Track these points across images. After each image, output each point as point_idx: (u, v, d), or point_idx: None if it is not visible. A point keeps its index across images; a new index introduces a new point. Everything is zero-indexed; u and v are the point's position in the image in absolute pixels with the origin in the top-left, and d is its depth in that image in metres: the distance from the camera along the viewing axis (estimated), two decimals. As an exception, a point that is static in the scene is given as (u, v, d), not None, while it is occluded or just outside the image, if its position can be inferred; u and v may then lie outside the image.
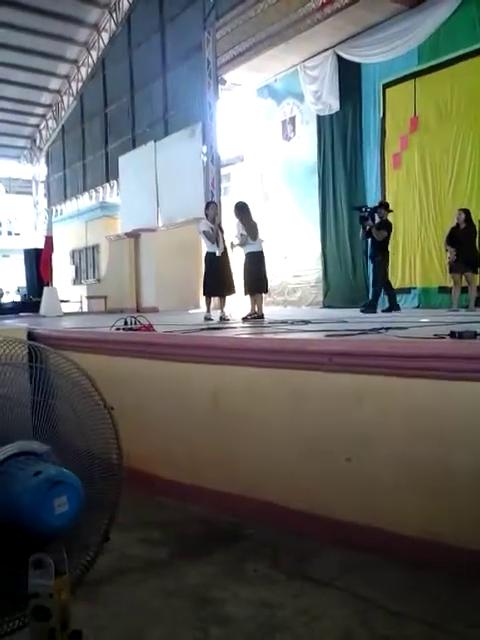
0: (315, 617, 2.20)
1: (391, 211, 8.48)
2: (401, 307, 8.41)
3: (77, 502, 1.26)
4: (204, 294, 7.32)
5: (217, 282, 7.08)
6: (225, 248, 7.11)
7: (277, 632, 2.11)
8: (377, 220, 8.01)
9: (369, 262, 8.69)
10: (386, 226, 8.06)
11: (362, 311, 7.87)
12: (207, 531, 3.12)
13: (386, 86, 10.03)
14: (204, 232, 7.05)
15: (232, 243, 6.92)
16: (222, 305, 7.27)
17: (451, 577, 2.41)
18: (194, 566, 2.67)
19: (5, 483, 1.24)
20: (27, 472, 1.25)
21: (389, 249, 8.30)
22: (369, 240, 8.28)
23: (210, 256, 7.08)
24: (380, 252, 8.12)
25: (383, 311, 7.98)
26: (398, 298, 9.89)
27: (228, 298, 7.26)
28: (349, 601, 2.32)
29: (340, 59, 10.59)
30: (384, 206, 8.30)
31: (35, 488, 1.21)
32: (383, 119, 10.15)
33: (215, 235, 6.97)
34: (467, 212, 7.69)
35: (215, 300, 7.32)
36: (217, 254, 6.98)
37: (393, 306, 8.16)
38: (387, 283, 8.34)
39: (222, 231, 7.12)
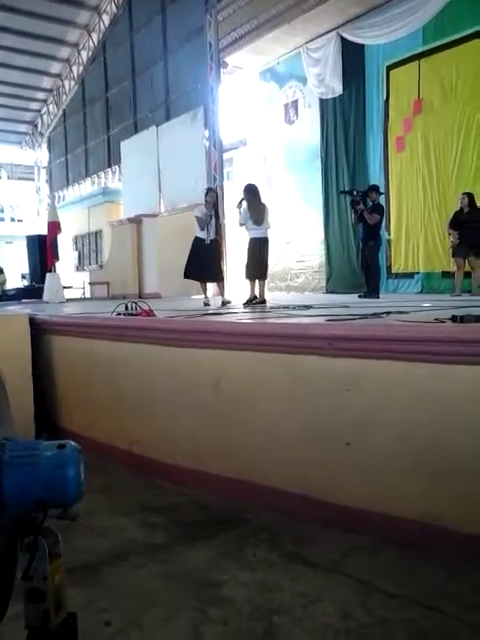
0: (314, 600, 2.21)
1: (382, 194, 8.37)
2: (400, 293, 8.26)
3: (84, 467, 1.30)
4: (184, 276, 7.30)
5: (197, 266, 7.08)
6: (216, 237, 7.13)
7: (275, 614, 2.12)
8: (369, 204, 7.91)
9: (361, 246, 8.51)
10: (378, 210, 7.92)
11: (361, 297, 7.74)
12: (206, 515, 3.13)
13: (390, 68, 9.92)
14: (197, 217, 7.08)
15: (240, 222, 6.89)
16: (221, 291, 7.24)
17: (450, 560, 2.41)
18: (193, 549, 2.68)
19: (28, 463, 1.24)
20: (45, 448, 1.26)
21: (391, 233, 8.21)
22: (361, 224, 8.18)
23: (197, 240, 7.10)
24: (373, 237, 8.01)
25: (360, 296, 7.78)
26: (401, 283, 9.89)
27: (229, 283, 7.24)
28: (348, 584, 2.33)
29: (343, 41, 10.48)
30: (375, 189, 8.15)
31: (73, 459, 1.23)
32: (386, 102, 10.05)
33: (207, 221, 7.00)
34: (471, 196, 7.62)
35: (214, 287, 7.27)
36: (206, 242, 7.00)
37: (374, 291, 7.91)
38: (377, 268, 8.24)
39: (217, 219, 7.13)
